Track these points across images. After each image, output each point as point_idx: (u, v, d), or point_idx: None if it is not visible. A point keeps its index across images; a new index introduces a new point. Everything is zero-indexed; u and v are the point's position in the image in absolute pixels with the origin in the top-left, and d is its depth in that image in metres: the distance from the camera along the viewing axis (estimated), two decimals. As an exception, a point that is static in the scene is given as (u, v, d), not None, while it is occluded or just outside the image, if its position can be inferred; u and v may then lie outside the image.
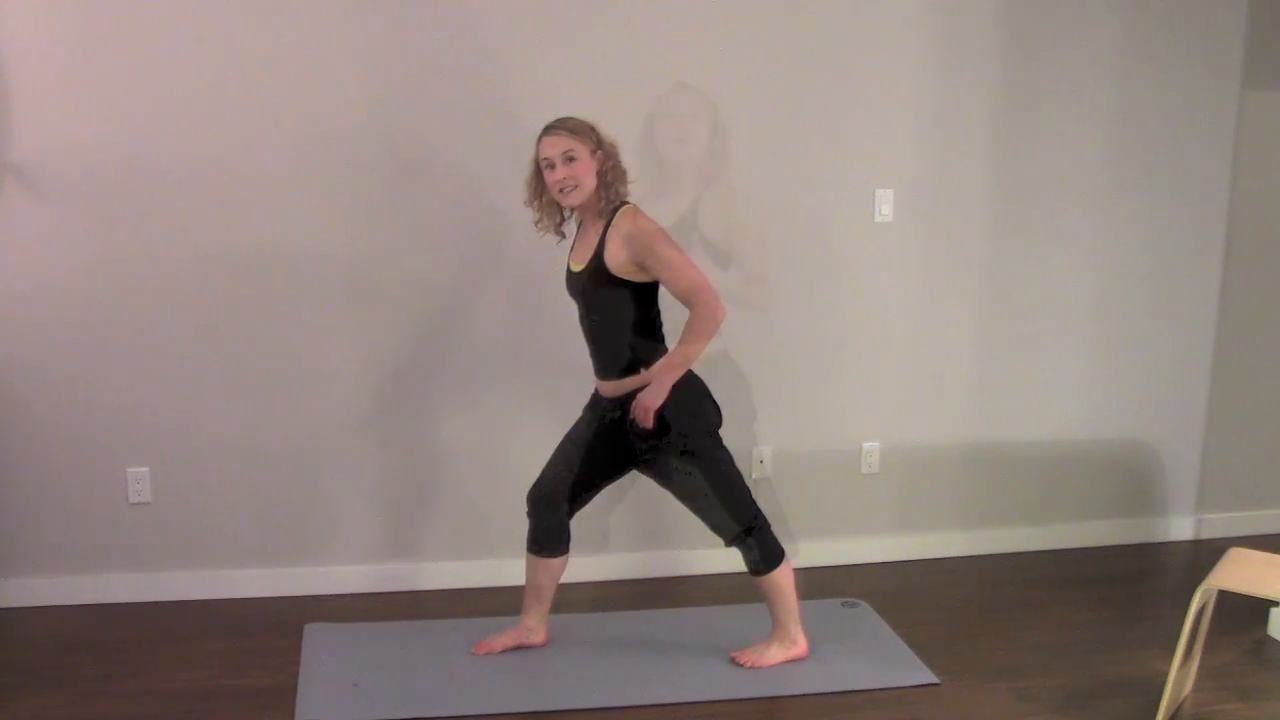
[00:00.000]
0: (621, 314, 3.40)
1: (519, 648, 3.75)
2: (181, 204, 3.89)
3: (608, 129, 3.45)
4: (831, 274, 4.35)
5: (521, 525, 4.25)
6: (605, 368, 3.48)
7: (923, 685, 3.63)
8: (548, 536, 3.66)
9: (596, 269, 3.36)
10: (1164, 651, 3.77)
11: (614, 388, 3.47)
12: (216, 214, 3.92)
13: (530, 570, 3.72)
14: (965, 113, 4.35)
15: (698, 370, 3.46)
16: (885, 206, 4.34)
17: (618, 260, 3.34)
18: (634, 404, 3.36)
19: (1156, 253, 4.62)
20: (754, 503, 3.59)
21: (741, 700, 3.52)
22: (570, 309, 3.58)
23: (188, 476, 4.06)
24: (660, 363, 3.38)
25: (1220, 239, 4.66)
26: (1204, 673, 3.70)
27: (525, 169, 3.46)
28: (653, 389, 3.33)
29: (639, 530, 4.32)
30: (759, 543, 3.58)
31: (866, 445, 4.51)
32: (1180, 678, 3.36)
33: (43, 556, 4.02)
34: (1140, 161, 4.53)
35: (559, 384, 4.08)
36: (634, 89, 3.87)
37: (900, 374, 4.49)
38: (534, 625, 3.75)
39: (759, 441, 4.35)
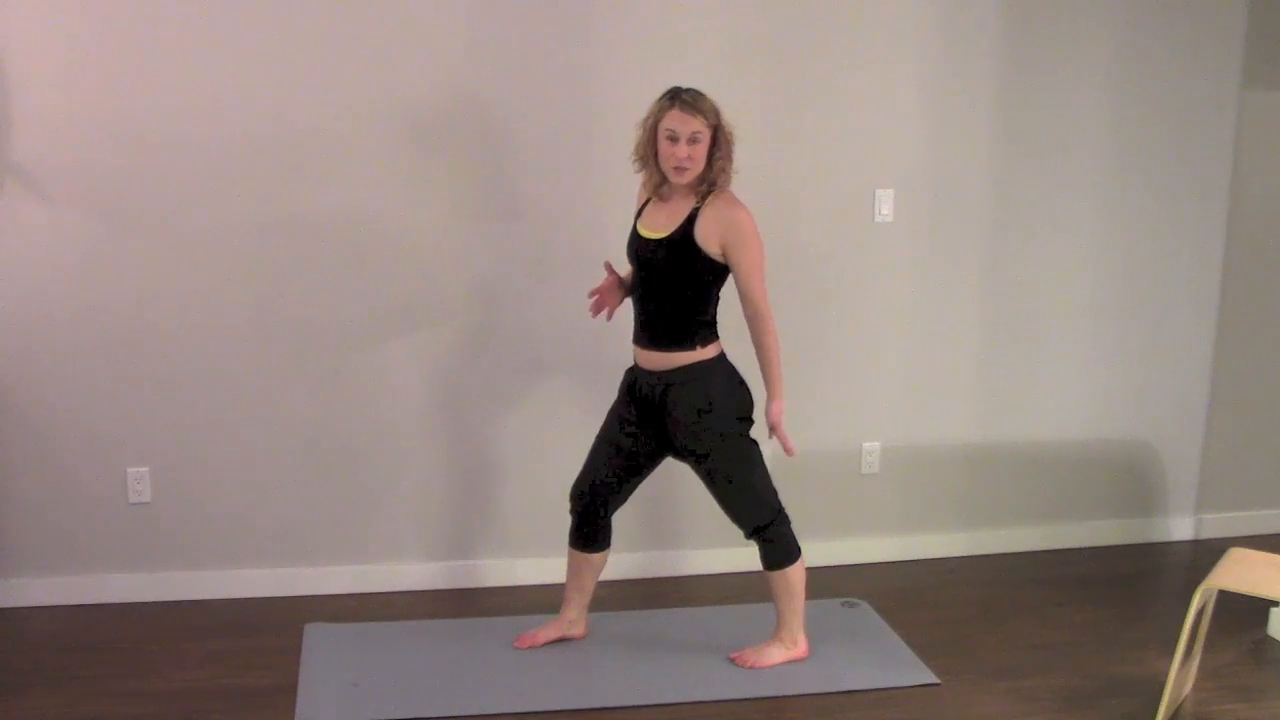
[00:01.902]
0: (690, 288, 3.44)
1: (560, 640, 3.80)
2: (182, 204, 3.89)
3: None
4: (831, 274, 4.35)
5: (527, 525, 4.27)
6: (656, 338, 3.49)
7: (923, 685, 3.63)
8: (591, 532, 3.71)
9: (683, 240, 3.39)
10: (1164, 651, 3.77)
11: (660, 359, 3.48)
12: (218, 212, 3.92)
13: (573, 565, 3.77)
14: (965, 113, 4.35)
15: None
16: (885, 206, 4.34)
17: (709, 238, 3.38)
18: (771, 420, 3.50)
19: (1156, 253, 4.62)
20: (777, 497, 3.63)
21: (741, 700, 3.52)
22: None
23: (188, 476, 4.06)
24: (775, 397, 3.50)
25: (1220, 239, 4.66)
26: (1204, 673, 3.70)
27: (634, 128, 3.47)
28: (779, 413, 3.50)
29: (640, 530, 4.32)
30: (778, 537, 3.60)
31: (866, 445, 4.51)
32: (1180, 678, 3.36)
33: (43, 556, 4.02)
34: (1140, 161, 4.53)
35: (578, 382, 4.09)
36: (633, 88, 3.87)
37: (900, 374, 4.49)
38: (574, 618, 3.81)
39: (759, 441, 4.34)
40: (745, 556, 3.90)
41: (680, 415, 3.49)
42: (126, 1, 3.75)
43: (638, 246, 3.50)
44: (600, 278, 3.64)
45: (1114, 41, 4.41)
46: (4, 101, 3.73)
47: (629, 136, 3.51)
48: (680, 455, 3.60)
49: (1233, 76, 4.53)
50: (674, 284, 3.44)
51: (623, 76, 4.02)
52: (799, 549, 3.64)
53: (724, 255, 3.41)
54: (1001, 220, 4.46)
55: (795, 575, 3.64)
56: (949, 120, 4.34)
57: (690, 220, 3.40)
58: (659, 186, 3.48)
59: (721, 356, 3.54)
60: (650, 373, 3.52)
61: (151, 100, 3.81)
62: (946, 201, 4.40)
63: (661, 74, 3.63)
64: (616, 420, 3.63)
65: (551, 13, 3.99)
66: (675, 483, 4.11)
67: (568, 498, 3.72)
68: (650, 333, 3.50)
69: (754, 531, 3.60)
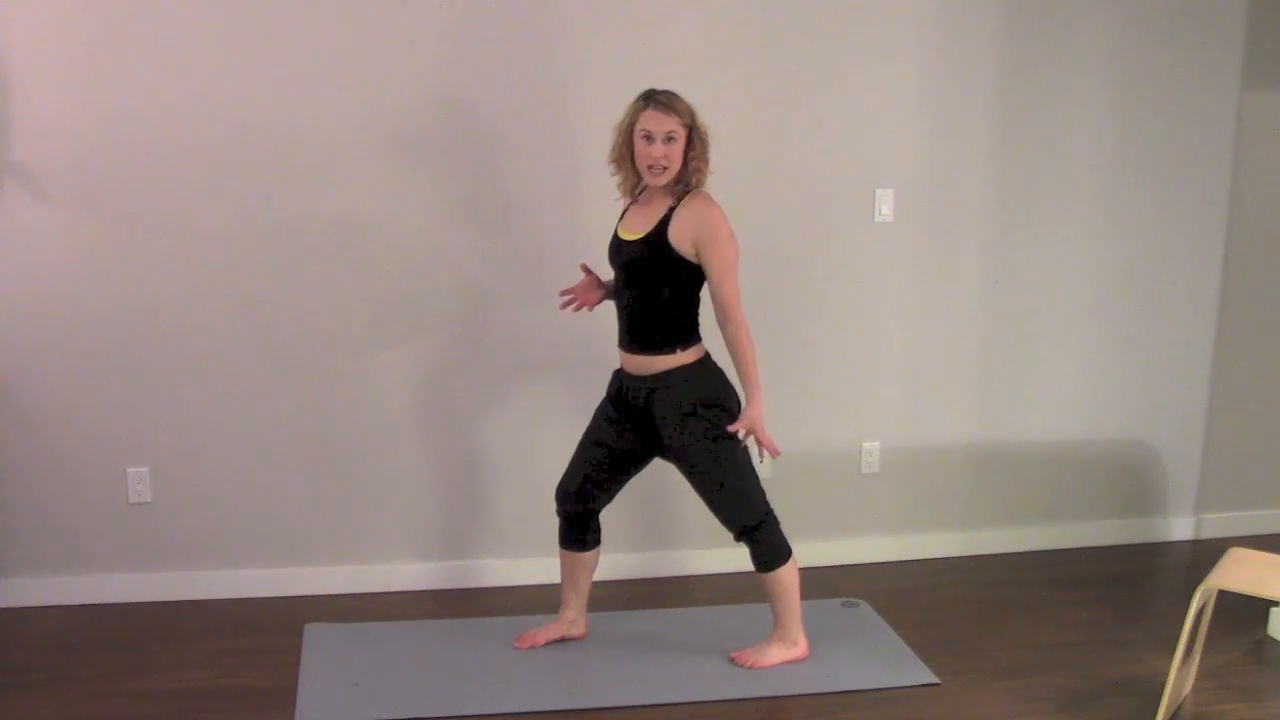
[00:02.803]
0: (668, 289, 3.43)
1: (560, 640, 3.80)
2: (181, 205, 3.89)
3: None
4: (831, 274, 4.35)
5: (524, 525, 4.27)
6: (636, 342, 3.49)
7: (923, 685, 3.63)
8: (579, 531, 3.71)
9: (657, 241, 3.39)
10: (1164, 651, 3.77)
11: (642, 363, 3.48)
12: (216, 214, 3.92)
13: (565, 565, 3.77)
14: (965, 113, 4.35)
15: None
16: (885, 206, 4.34)
17: (682, 238, 3.37)
18: (747, 424, 3.44)
19: (1156, 253, 4.62)
20: (765, 498, 3.61)
21: (741, 700, 3.52)
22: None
23: (188, 476, 4.06)
24: (752, 401, 3.45)
25: (1220, 239, 4.66)
26: (1204, 673, 3.70)
27: (611, 128, 3.48)
28: (754, 418, 3.43)
29: (639, 530, 4.32)
30: (767, 538, 3.59)
31: (866, 445, 4.51)
32: (1180, 678, 3.36)
33: (43, 556, 4.02)
34: (1140, 161, 4.53)
35: (571, 383, 4.09)
36: (627, 90, 3.87)
37: (900, 374, 4.49)
38: (574, 618, 3.81)
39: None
40: (745, 556, 3.90)
41: (665, 419, 3.48)
42: (125, 3, 3.75)
43: (616, 249, 3.51)
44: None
45: (1114, 41, 4.41)
46: (4, 101, 3.73)
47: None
48: (667, 457, 3.60)
49: (1233, 76, 4.53)
50: (651, 286, 3.43)
51: (615, 78, 4.01)
52: (789, 549, 3.63)
53: (697, 255, 3.40)
54: (1001, 220, 4.46)
55: (788, 576, 3.63)
56: (949, 120, 4.34)
57: (665, 221, 3.39)
58: (636, 189, 3.49)
59: (705, 359, 3.52)
60: (635, 377, 3.52)
61: (150, 101, 3.82)
62: (946, 201, 4.40)
63: (658, 75, 3.63)
64: (603, 420, 3.63)
65: (542, 15, 3.99)
66: (675, 483, 4.10)
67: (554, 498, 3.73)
68: (632, 336, 3.50)
69: (742, 533, 3.60)
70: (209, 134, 3.87)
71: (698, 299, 3.49)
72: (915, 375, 4.50)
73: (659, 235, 3.39)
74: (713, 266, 3.38)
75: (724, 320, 3.42)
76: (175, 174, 3.87)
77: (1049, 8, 4.33)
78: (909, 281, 4.43)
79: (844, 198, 4.31)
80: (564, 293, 3.65)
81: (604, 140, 3.55)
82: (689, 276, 3.43)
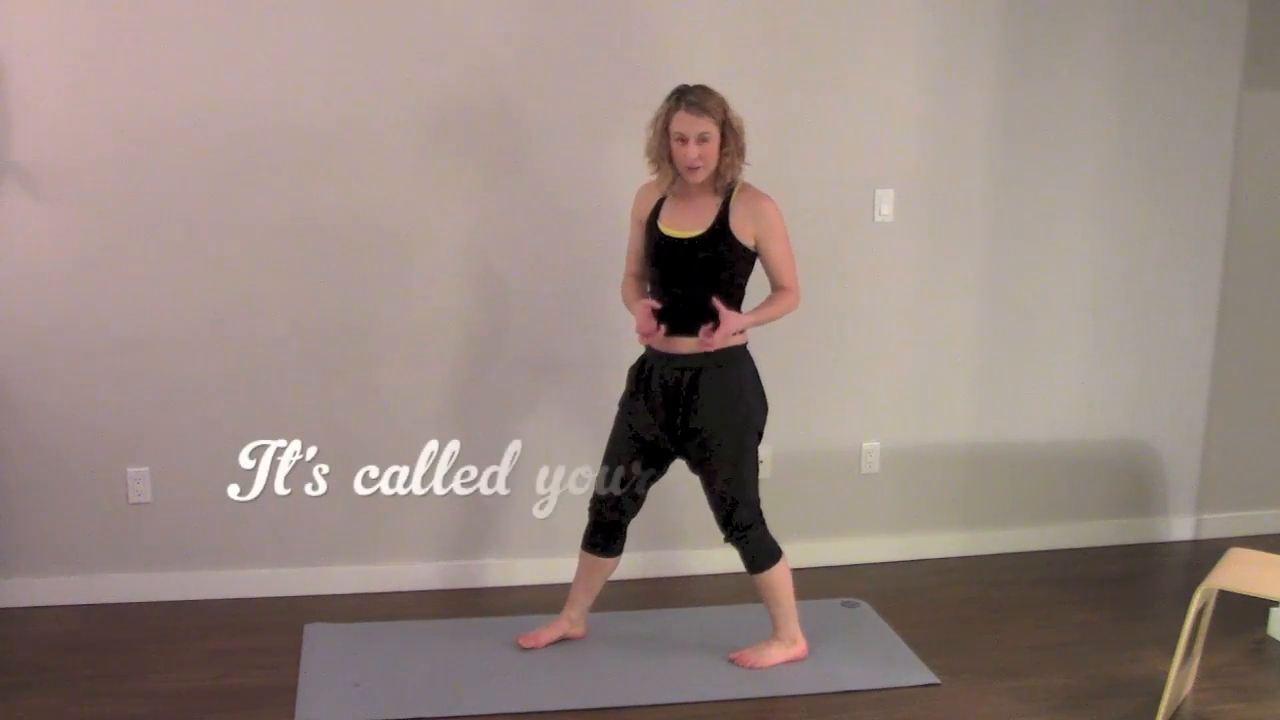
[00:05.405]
0: (727, 278, 3.49)
1: (561, 639, 3.81)
2: (182, 204, 3.89)
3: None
4: (831, 274, 4.35)
5: (527, 525, 4.27)
6: (692, 326, 3.48)
7: (923, 685, 3.63)
8: (607, 537, 3.72)
9: (720, 234, 3.45)
10: (1164, 651, 3.77)
11: (694, 343, 3.48)
12: (216, 214, 3.92)
13: (583, 568, 3.78)
14: (965, 113, 4.35)
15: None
16: (885, 206, 4.34)
17: (744, 230, 3.45)
18: (711, 330, 3.40)
19: (1156, 253, 4.62)
20: (760, 503, 3.63)
21: (741, 700, 3.52)
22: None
23: (188, 476, 4.06)
24: (747, 313, 3.49)
25: (1220, 239, 4.66)
26: (1204, 673, 3.70)
27: (646, 128, 3.50)
28: (735, 320, 3.41)
29: (639, 530, 4.30)
30: (758, 538, 3.60)
31: (866, 445, 4.51)
32: (1180, 678, 3.36)
33: (43, 556, 4.02)
34: (1140, 161, 4.53)
35: (577, 384, 4.09)
36: (632, 88, 3.88)
37: (900, 374, 4.49)
38: (576, 618, 3.83)
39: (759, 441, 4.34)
40: (745, 556, 3.91)
41: (709, 399, 3.49)
42: (126, 6, 3.74)
43: (665, 247, 3.50)
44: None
45: (1114, 41, 4.41)
46: (4, 101, 3.73)
47: (619, 136, 3.50)
48: (691, 446, 3.57)
49: (1233, 76, 4.53)
50: (711, 277, 3.46)
51: (619, 77, 4.02)
52: (779, 550, 3.64)
53: (756, 245, 3.47)
54: (1001, 220, 4.46)
55: (780, 576, 3.64)
56: (949, 120, 4.34)
57: (723, 215, 3.45)
58: (673, 184, 3.51)
59: (747, 350, 3.56)
60: (679, 357, 3.51)
61: (152, 100, 3.81)
62: (946, 201, 4.40)
63: (660, 74, 3.64)
64: (630, 416, 3.62)
65: (562, 16, 3.99)
66: (675, 483, 4.10)
67: (587, 503, 3.72)
68: (685, 320, 3.49)
69: (736, 531, 3.60)
70: (213, 133, 3.86)
71: (746, 285, 3.55)
72: (915, 375, 4.50)
73: (721, 227, 3.45)
74: (772, 254, 3.49)
75: (783, 290, 3.52)
76: (177, 173, 3.87)
77: (1049, 8, 4.33)
78: (909, 281, 4.43)
79: (844, 198, 4.31)
80: (645, 326, 3.50)
81: (624, 137, 3.54)
82: (747, 264, 3.52)
